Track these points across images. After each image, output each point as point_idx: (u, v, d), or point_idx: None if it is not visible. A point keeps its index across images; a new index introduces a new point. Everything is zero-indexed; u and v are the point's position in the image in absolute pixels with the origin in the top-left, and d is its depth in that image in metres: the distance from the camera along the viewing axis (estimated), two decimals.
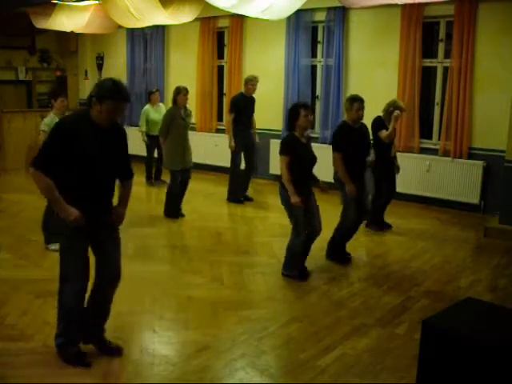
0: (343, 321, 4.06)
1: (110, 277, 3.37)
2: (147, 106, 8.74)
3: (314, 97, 8.79)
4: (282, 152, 4.68)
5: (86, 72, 12.12)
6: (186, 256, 5.47)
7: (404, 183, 7.79)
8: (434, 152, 7.60)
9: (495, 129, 6.98)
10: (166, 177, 7.78)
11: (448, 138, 7.39)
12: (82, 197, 3.14)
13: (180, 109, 6.72)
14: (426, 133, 7.78)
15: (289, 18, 8.10)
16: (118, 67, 11.47)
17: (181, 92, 6.66)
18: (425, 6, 7.31)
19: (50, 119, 5.42)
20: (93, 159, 3.12)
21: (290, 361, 3.43)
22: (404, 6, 7.33)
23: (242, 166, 7.86)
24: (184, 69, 10.29)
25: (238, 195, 7.76)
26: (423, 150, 7.69)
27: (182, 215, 6.89)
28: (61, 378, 3.16)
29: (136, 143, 10.99)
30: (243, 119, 7.48)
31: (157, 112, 8.47)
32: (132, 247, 5.69)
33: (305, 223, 4.75)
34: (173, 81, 10.34)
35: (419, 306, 4.33)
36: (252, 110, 7.64)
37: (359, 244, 5.94)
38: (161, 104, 8.88)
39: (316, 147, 8.66)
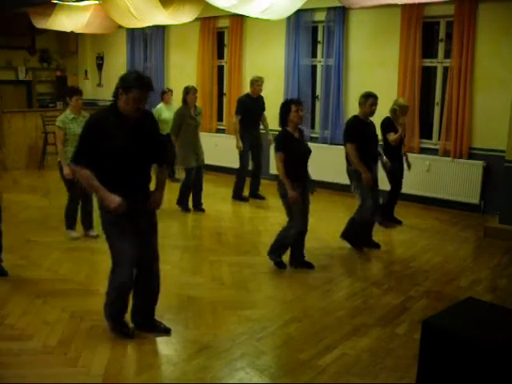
0: (343, 321, 4.06)
1: (149, 260, 3.58)
2: (160, 105, 8.72)
3: (314, 97, 8.79)
4: (277, 149, 4.82)
5: (86, 72, 12.13)
6: (186, 256, 5.47)
7: (404, 183, 7.78)
8: (434, 152, 7.60)
9: (495, 129, 6.98)
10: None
11: (448, 138, 7.39)
12: (119, 185, 3.34)
13: (190, 108, 6.91)
14: (426, 133, 7.79)
15: (289, 18, 8.11)
16: (118, 67, 11.46)
17: (190, 91, 6.86)
18: (425, 6, 7.31)
19: (65, 116, 5.63)
20: (123, 149, 3.32)
21: (290, 361, 3.43)
22: (404, 5, 7.33)
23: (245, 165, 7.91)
24: (184, 69, 10.29)
25: (240, 194, 7.87)
26: (423, 150, 7.69)
27: (203, 210, 7.14)
28: (61, 378, 3.16)
29: None
30: (250, 120, 7.55)
31: (169, 111, 8.43)
32: None
33: (299, 216, 4.89)
34: (173, 81, 10.35)
35: (419, 306, 4.33)
36: (261, 110, 7.72)
37: None
38: (172, 103, 8.84)
39: (316, 147, 8.70)
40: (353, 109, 8.21)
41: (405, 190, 7.66)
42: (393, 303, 4.36)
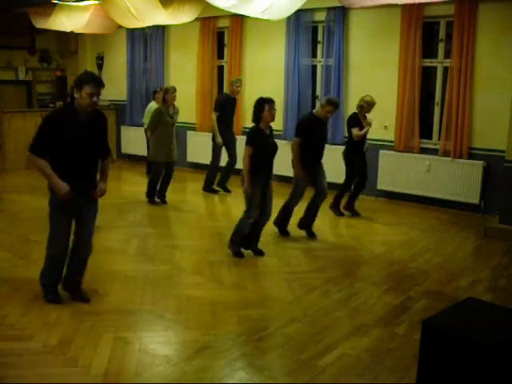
0: (343, 321, 4.06)
1: (82, 244, 4.15)
2: (152, 104, 8.97)
3: (314, 97, 8.79)
4: (247, 143, 5.12)
5: None
6: (186, 256, 5.47)
7: (404, 183, 7.79)
8: (434, 152, 7.60)
9: (495, 129, 6.98)
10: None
11: (448, 137, 7.39)
12: (69, 174, 3.83)
13: (169, 107, 7.35)
14: (426, 133, 7.79)
15: (289, 18, 8.10)
16: (118, 67, 11.47)
17: (169, 91, 7.31)
18: (425, 6, 7.31)
19: None
20: (76, 143, 3.77)
21: (290, 361, 3.43)
22: (404, 6, 7.33)
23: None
24: (184, 69, 10.29)
25: (211, 186, 8.33)
26: (423, 150, 7.69)
27: (165, 202, 7.60)
28: (61, 378, 3.16)
29: (138, 143, 11.03)
30: (226, 118, 8.06)
31: None
32: (132, 247, 5.69)
33: (256, 208, 5.22)
34: (173, 81, 10.34)
35: (419, 306, 4.33)
36: (234, 110, 8.31)
37: (359, 244, 5.95)
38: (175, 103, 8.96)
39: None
40: (353, 108, 8.22)
41: (405, 189, 7.68)
42: (393, 303, 4.36)
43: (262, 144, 5.13)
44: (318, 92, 8.75)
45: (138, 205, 7.60)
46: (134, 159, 11.25)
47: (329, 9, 8.20)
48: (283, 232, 6.14)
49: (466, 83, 7.12)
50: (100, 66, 11.93)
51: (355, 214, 7.12)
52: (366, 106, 6.80)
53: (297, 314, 4.11)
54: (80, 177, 3.91)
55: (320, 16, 8.41)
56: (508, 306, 3.70)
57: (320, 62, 8.68)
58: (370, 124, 6.83)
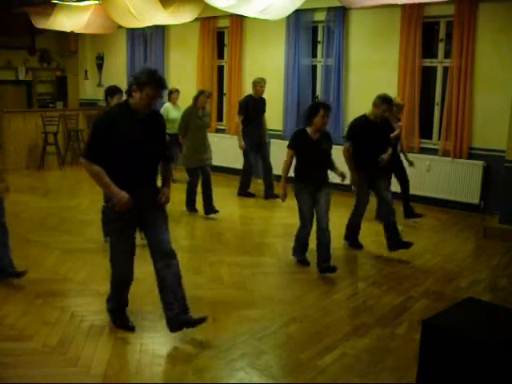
0: (343, 321, 4.06)
1: (163, 253, 3.61)
2: (167, 105, 8.67)
3: (314, 97, 8.79)
4: (288, 145, 4.93)
5: (86, 72, 12.13)
6: (186, 256, 5.46)
7: None
8: (434, 152, 7.60)
9: (495, 129, 6.98)
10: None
11: (448, 137, 7.39)
12: (129, 180, 3.43)
13: (198, 109, 6.87)
14: (426, 133, 7.79)
15: (289, 18, 8.11)
16: (118, 67, 11.47)
17: (203, 93, 6.89)
18: (425, 6, 7.31)
19: None
20: (135, 145, 3.41)
21: (290, 361, 3.43)
22: (404, 6, 7.33)
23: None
24: (184, 69, 10.29)
25: (246, 190, 8.07)
26: (423, 150, 7.69)
27: (215, 211, 6.88)
28: (61, 378, 3.16)
29: None
30: (252, 120, 7.72)
31: (176, 110, 8.39)
32: None
33: (309, 216, 4.94)
34: (173, 81, 10.33)
35: (419, 306, 4.33)
36: (262, 111, 7.89)
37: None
38: (179, 103, 8.73)
39: None
40: (353, 109, 8.22)
41: None
42: (393, 303, 4.36)
43: (305, 148, 4.85)
44: (318, 92, 8.75)
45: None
46: None
47: (329, 9, 8.20)
48: (355, 245, 5.73)
49: (466, 83, 7.12)
50: (100, 66, 11.93)
51: (417, 215, 6.83)
52: (396, 108, 6.42)
53: (297, 314, 4.11)
54: (140, 183, 3.51)
55: (320, 16, 8.41)
56: (508, 305, 3.70)
57: (320, 61, 8.69)
58: (401, 125, 6.55)
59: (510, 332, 2.68)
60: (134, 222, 3.61)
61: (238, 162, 8.32)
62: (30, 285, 4.54)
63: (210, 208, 6.87)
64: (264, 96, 7.89)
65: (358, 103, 7.78)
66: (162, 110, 8.36)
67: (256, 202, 7.80)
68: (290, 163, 4.96)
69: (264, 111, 7.94)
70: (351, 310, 4.27)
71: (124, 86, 12.51)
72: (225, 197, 7.88)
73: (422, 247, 5.89)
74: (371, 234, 6.28)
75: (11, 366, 3.27)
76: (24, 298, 4.27)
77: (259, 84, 7.74)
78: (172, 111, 8.50)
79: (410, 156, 7.56)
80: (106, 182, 3.41)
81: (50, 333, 3.69)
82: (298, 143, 4.90)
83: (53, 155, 10.22)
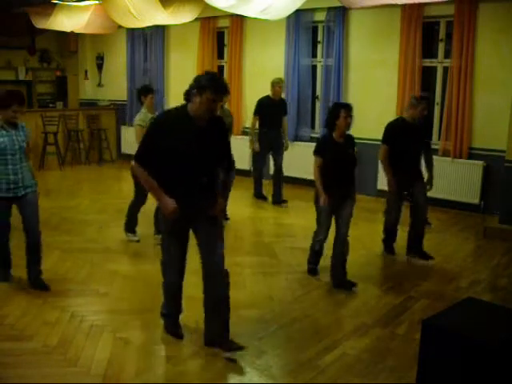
0: (343, 321, 4.06)
1: (215, 270, 3.46)
2: None
3: (314, 97, 8.79)
4: (314, 152, 4.64)
5: (86, 72, 12.12)
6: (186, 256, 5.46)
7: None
8: (434, 152, 7.53)
9: (495, 129, 6.98)
10: None
11: (448, 137, 7.39)
12: (179, 188, 3.26)
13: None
14: (426, 133, 7.77)
15: (289, 18, 8.11)
16: (118, 67, 11.47)
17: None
18: (425, 6, 7.31)
19: (144, 115, 5.54)
20: (187, 152, 3.21)
21: (290, 361, 3.43)
22: (404, 6, 7.33)
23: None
24: (184, 69, 10.28)
25: (260, 192, 7.92)
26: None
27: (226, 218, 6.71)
28: (61, 378, 3.16)
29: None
30: (268, 121, 7.44)
31: None
32: (132, 247, 5.69)
33: (327, 224, 4.72)
34: (173, 81, 10.35)
35: (419, 306, 4.33)
36: (281, 112, 7.57)
37: (359, 244, 5.94)
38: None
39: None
40: (353, 109, 8.20)
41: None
42: (393, 303, 4.36)
43: (331, 155, 4.56)
44: (318, 92, 8.75)
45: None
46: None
47: (329, 9, 8.20)
48: (389, 250, 5.59)
49: (466, 83, 7.12)
50: (100, 66, 11.93)
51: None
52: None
53: (297, 314, 4.11)
54: (193, 192, 3.30)
55: (320, 16, 8.41)
56: (508, 305, 3.70)
57: (320, 61, 8.68)
58: None
59: (510, 332, 2.68)
60: (184, 232, 3.45)
61: (239, 163, 8.32)
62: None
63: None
64: (263, 94, 7.73)
65: (358, 103, 7.74)
66: None
67: (256, 203, 7.80)
68: (321, 170, 4.61)
69: (284, 113, 7.61)
70: (351, 309, 4.27)
71: (124, 86, 12.57)
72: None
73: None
74: (371, 234, 6.28)
75: (11, 366, 3.27)
76: (24, 298, 4.27)
77: (277, 84, 7.44)
78: None
79: None
80: (155, 187, 3.26)
81: (50, 333, 3.69)
82: (326, 149, 4.62)
83: (53, 155, 10.22)
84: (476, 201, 7.21)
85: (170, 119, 3.31)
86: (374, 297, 4.50)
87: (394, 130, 5.27)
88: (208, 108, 3.21)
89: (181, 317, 3.79)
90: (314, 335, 3.77)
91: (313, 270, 4.98)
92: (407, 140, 5.17)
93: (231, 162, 3.62)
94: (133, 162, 3.34)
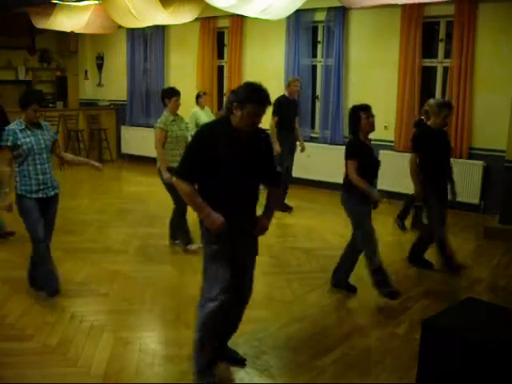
0: (343, 321, 4.06)
1: (241, 293, 3.27)
2: (196, 109, 7.99)
3: (314, 97, 8.79)
4: (350, 156, 4.40)
5: (86, 72, 12.13)
6: (186, 256, 5.47)
7: (404, 183, 7.77)
8: None
9: (495, 129, 6.98)
10: None
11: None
12: (223, 203, 3.05)
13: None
14: None
15: (289, 18, 8.11)
16: (118, 67, 11.47)
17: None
18: (425, 6, 7.31)
19: (166, 118, 5.43)
20: (232, 165, 3.03)
21: (289, 361, 3.43)
22: (404, 6, 7.33)
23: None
24: (184, 69, 10.29)
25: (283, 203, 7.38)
26: None
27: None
28: (61, 378, 3.15)
29: (138, 143, 11.05)
30: (285, 121, 7.20)
31: (205, 115, 7.88)
32: (132, 247, 5.69)
33: (373, 233, 4.47)
34: (173, 81, 10.34)
35: (419, 306, 4.33)
36: (295, 113, 7.38)
37: None
38: (207, 107, 8.24)
39: (316, 147, 8.69)
40: None
41: (404, 189, 7.66)
42: (393, 303, 4.36)
43: (365, 158, 4.41)
44: (318, 92, 8.75)
45: (138, 205, 7.60)
46: (134, 159, 11.25)
47: (329, 9, 8.21)
48: (451, 269, 5.15)
49: (466, 83, 7.12)
50: (100, 66, 11.93)
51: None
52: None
53: (297, 314, 4.11)
54: (235, 207, 3.09)
55: (320, 16, 8.41)
56: (508, 305, 3.70)
57: (320, 62, 8.69)
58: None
59: (510, 332, 2.68)
60: (229, 250, 3.14)
61: None
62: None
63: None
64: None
65: (358, 103, 7.76)
66: (190, 116, 7.75)
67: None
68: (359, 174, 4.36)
69: (297, 114, 7.42)
70: (351, 309, 4.27)
71: (124, 86, 12.51)
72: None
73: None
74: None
75: (11, 366, 3.27)
76: (24, 298, 4.27)
77: (293, 83, 7.19)
78: (202, 116, 7.87)
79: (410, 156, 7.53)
80: (199, 203, 3.05)
81: (50, 333, 3.69)
82: (360, 151, 4.42)
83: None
84: (476, 201, 7.21)
85: (213, 131, 3.12)
86: (374, 297, 4.50)
87: (424, 138, 5.09)
88: (250, 123, 3.03)
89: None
90: (313, 335, 3.77)
91: (394, 292, 4.40)
92: (437, 148, 5.03)
93: (278, 177, 3.37)
94: (174, 178, 3.19)
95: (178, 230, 5.64)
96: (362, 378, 3.26)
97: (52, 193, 4.25)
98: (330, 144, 8.43)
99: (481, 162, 7.15)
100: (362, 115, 4.40)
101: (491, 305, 3.40)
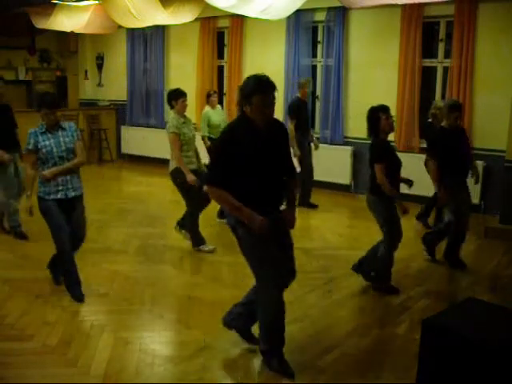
0: (343, 321, 4.06)
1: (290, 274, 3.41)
2: (207, 109, 7.77)
3: (314, 97, 8.79)
4: (378, 159, 4.38)
5: (86, 72, 12.13)
6: (186, 256, 5.47)
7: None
8: None
9: (495, 129, 6.98)
10: None
11: None
12: (256, 200, 3.07)
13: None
14: None
15: (289, 18, 8.11)
16: (118, 67, 11.47)
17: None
18: (425, 6, 7.32)
19: (176, 120, 5.37)
20: (257, 158, 3.06)
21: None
22: (404, 6, 7.33)
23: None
24: (184, 69, 10.29)
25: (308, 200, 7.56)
26: (423, 150, 7.68)
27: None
28: (61, 378, 3.15)
29: (138, 143, 11.06)
30: (302, 124, 7.27)
31: (217, 114, 7.66)
32: (132, 247, 5.69)
33: (398, 233, 4.53)
34: (173, 81, 10.34)
35: (419, 305, 4.33)
36: (307, 114, 7.47)
37: (359, 244, 5.94)
38: (219, 106, 7.98)
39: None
40: (353, 109, 8.23)
41: (405, 190, 7.66)
42: (393, 303, 4.36)
43: (391, 159, 4.41)
44: (318, 92, 8.75)
45: (138, 205, 7.60)
46: (134, 159, 11.25)
47: (329, 9, 8.21)
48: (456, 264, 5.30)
49: (466, 83, 7.12)
50: (100, 66, 11.94)
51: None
52: (440, 112, 5.89)
53: (297, 314, 4.10)
54: (269, 203, 3.17)
55: (320, 16, 8.41)
56: (508, 305, 3.70)
57: (320, 62, 8.69)
58: None
59: (510, 332, 2.68)
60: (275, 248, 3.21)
61: None
62: (30, 285, 4.54)
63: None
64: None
65: (358, 103, 7.78)
66: (202, 115, 7.66)
67: None
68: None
69: (309, 117, 7.56)
70: (351, 310, 4.27)
71: (124, 86, 12.51)
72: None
73: (422, 247, 5.88)
74: (371, 234, 6.28)
75: (11, 366, 3.27)
76: (24, 298, 4.27)
77: (306, 85, 7.31)
78: (213, 115, 7.65)
79: (410, 156, 7.54)
80: (238, 205, 3.04)
81: (50, 333, 3.69)
82: (387, 153, 4.43)
83: None
84: (476, 201, 7.20)
85: (233, 131, 3.16)
86: (374, 297, 4.50)
87: (441, 139, 5.10)
88: (263, 114, 3.05)
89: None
90: (314, 335, 3.77)
91: (392, 287, 4.60)
92: (455, 147, 5.03)
93: (294, 169, 3.36)
94: (206, 187, 3.21)
95: (191, 232, 5.61)
96: (362, 377, 3.26)
97: (72, 194, 4.21)
98: (330, 144, 8.43)
99: (481, 162, 7.13)
100: (381, 116, 4.38)
101: (491, 305, 3.40)
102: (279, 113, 8.81)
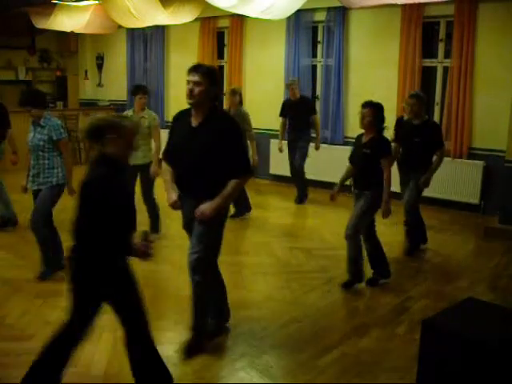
0: (343, 321, 4.06)
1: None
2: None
3: (314, 97, 8.79)
4: (389, 152, 4.51)
5: (86, 72, 12.13)
6: (186, 256, 5.46)
7: None
8: None
9: (495, 129, 6.97)
10: None
11: (448, 137, 7.38)
12: (178, 183, 3.43)
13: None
14: None
15: (289, 18, 8.10)
16: (118, 67, 11.47)
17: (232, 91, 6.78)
18: (425, 6, 7.31)
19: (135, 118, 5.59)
20: (178, 147, 3.36)
21: (290, 361, 3.43)
22: (404, 6, 7.33)
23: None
24: (184, 69, 10.10)
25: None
26: None
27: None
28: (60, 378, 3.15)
29: None
30: (291, 123, 7.68)
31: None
32: None
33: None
34: (173, 81, 10.35)
35: (419, 305, 4.33)
36: (304, 112, 7.58)
37: None
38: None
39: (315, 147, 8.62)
40: (353, 109, 8.21)
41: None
42: (393, 303, 4.36)
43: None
44: (318, 92, 8.75)
45: (138, 204, 7.57)
46: None
47: (329, 9, 8.20)
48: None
49: (466, 83, 7.12)
50: (100, 66, 11.94)
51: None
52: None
53: (297, 314, 4.10)
54: (188, 192, 3.48)
55: (320, 16, 8.41)
56: (508, 305, 3.70)
57: (320, 61, 8.68)
58: None
59: (510, 332, 2.68)
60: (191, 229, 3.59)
61: None
62: (30, 285, 4.54)
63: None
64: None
65: (358, 103, 7.74)
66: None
67: (254, 203, 7.78)
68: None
69: (309, 112, 7.62)
70: (351, 310, 4.27)
71: (124, 86, 12.51)
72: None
73: (422, 247, 5.88)
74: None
75: (11, 366, 3.27)
76: (24, 298, 4.27)
77: (290, 86, 7.62)
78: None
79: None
80: (164, 179, 3.48)
81: (50, 333, 3.68)
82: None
83: None
84: (476, 201, 7.21)
85: (177, 115, 3.57)
86: (374, 297, 4.50)
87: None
88: (188, 95, 3.52)
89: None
90: (313, 335, 3.77)
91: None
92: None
93: (240, 168, 3.29)
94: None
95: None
96: (362, 378, 3.26)
97: (35, 187, 4.71)
98: (330, 144, 8.42)
99: (481, 162, 7.15)
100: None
101: (491, 305, 3.40)
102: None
